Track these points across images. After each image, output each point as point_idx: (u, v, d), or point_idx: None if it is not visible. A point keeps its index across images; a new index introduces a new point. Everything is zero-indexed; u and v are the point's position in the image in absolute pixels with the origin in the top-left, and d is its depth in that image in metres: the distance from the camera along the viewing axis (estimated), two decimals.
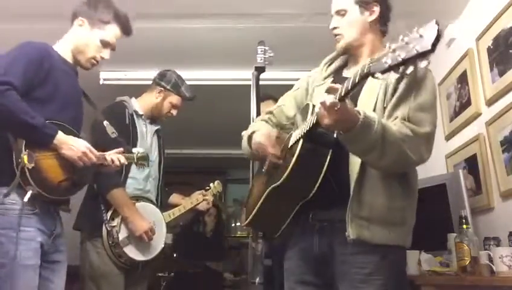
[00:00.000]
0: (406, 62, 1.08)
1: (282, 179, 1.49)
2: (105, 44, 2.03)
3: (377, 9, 1.68)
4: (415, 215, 1.58)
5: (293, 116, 1.80)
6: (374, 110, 1.51)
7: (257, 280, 2.33)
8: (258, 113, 2.55)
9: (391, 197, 1.50)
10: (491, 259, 1.93)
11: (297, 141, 1.53)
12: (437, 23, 1.04)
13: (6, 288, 1.68)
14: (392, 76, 1.52)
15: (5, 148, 1.73)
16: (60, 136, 1.80)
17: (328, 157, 1.49)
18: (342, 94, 1.26)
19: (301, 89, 1.85)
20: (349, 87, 1.24)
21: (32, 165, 1.70)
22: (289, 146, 1.61)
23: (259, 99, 2.55)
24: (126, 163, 2.11)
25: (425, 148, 1.46)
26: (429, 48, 1.03)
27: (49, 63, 1.86)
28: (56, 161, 1.80)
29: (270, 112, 1.89)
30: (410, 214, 1.55)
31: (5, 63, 1.76)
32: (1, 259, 1.70)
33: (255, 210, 1.64)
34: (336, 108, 1.25)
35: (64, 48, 2.01)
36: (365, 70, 1.19)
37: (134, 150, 2.26)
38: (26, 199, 1.71)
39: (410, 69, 1.09)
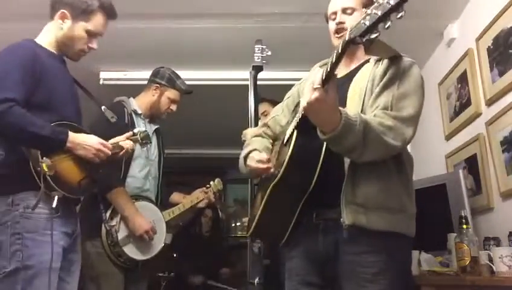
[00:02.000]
0: (383, 18, 1.13)
1: (280, 173, 1.49)
2: (92, 34, 1.95)
3: None
4: (414, 202, 1.57)
5: (286, 124, 1.80)
6: (363, 102, 1.52)
7: (256, 280, 2.33)
8: (256, 113, 2.56)
9: (387, 182, 1.49)
10: (491, 259, 1.93)
11: (291, 134, 1.53)
12: None
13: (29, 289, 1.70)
14: (380, 67, 1.54)
15: (22, 154, 1.74)
16: (72, 138, 1.80)
17: (324, 145, 1.48)
18: (328, 69, 1.26)
19: (292, 96, 1.86)
20: (334, 60, 1.25)
21: (53, 172, 1.71)
22: (284, 142, 1.61)
23: (258, 98, 2.55)
24: (135, 148, 2.16)
25: (408, 130, 1.47)
26: None
27: (39, 64, 1.83)
28: (72, 162, 1.82)
29: (265, 125, 1.90)
30: (408, 200, 1.54)
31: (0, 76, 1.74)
32: (26, 261, 1.71)
33: (257, 217, 1.62)
34: (317, 87, 1.26)
35: (48, 41, 1.94)
36: (346, 38, 1.21)
37: (135, 130, 2.26)
38: (54, 204, 1.73)
39: (388, 24, 1.13)
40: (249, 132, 2.35)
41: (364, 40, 1.18)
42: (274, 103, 2.53)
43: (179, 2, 2.74)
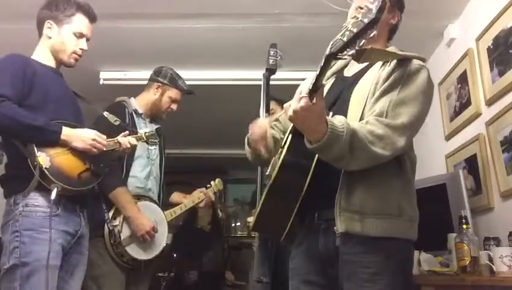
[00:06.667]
0: (357, 35, 1.16)
1: (273, 176, 1.49)
2: (79, 35, 2.05)
3: (397, 17, 1.70)
4: (415, 206, 1.55)
5: None
6: (365, 105, 1.51)
7: (264, 279, 2.33)
8: (268, 114, 2.54)
9: (385, 186, 1.48)
10: (491, 259, 1.93)
11: (287, 138, 1.53)
12: None
13: (27, 287, 1.73)
14: (385, 70, 1.53)
15: (20, 156, 1.77)
16: (66, 131, 1.84)
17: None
18: (314, 80, 1.27)
19: None
20: (318, 72, 1.26)
21: (49, 164, 1.75)
22: (282, 144, 1.61)
23: (269, 100, 2.54)
24: (137, 144, 2.19)
25: (400, 139, 1.44)
26: (374, 16, 1.13)
27: (31, 69, 1.89)
28: (70, 155, 1.86)
29: (277, 119, 1.90)
30: (407, 203, 1.52)
31: None
32: (23, 258, 1.75)
33: (256, 213, 1.63)
34: (304, 96, 1.27)
35: (42, 55, 2.03)
36: (326, 53, 1.23)
37: (140, 131, 2.31)
38: (53, 196, 1.75)
39: (362, 42, 1.17)
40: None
41: (343, 55, 1.21)
42: (281, 102, 2.52)
43: (181, 1, 2.74)
